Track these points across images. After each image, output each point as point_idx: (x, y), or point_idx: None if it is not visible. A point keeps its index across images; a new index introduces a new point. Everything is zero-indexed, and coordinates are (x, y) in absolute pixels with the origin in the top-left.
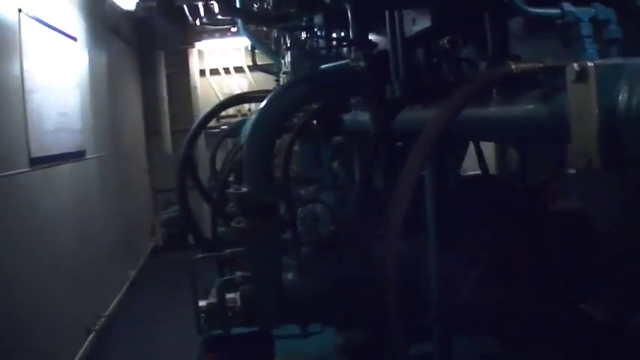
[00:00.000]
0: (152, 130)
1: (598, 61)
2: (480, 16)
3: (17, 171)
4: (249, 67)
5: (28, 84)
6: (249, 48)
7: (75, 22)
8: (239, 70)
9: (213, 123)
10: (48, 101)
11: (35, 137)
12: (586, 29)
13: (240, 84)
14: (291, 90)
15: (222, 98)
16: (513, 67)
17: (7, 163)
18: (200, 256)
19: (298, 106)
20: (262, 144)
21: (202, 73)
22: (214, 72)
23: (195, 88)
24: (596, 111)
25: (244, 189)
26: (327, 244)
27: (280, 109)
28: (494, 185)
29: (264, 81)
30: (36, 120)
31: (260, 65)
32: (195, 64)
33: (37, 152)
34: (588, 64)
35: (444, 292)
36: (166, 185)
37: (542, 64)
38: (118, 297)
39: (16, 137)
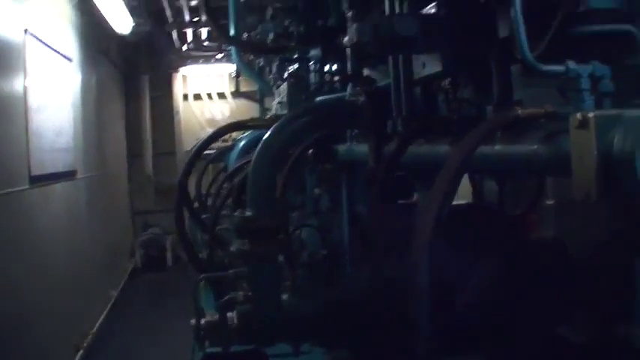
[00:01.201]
0: (134, 153)
1: (597, 112)
2: (484, 61)
3: (18, 188)
4: (231, 93)
5: (30, 102)
6: (233, 75)
7: (71, 43)
8: (221, 96)
9: (190, 147)
10: (46, 120)
11: (35, 155)
12: (585, 83)
13: (222, 110)
14: (295, 122)
15: (204, 123)
16: (520, 112)
17: (9, 180)
18: (204, 275)
19: (301, 137)
20: (266, 171)
21: (185, 97)
22: (197, 97)
23: (178, 112)
24: (595, 153)
25: (248, 213)
26: (320, 267)
27: (284, 139)
28: (484, 215)
29: (246, 108)
30: (36, 138)
31: (243, 92)
32: (178, 89)
33: (36, 170)
34: (589, 114)
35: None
36: (145, 207)
37: (544, 110)
38: (103, 315)
39: (18, 155)
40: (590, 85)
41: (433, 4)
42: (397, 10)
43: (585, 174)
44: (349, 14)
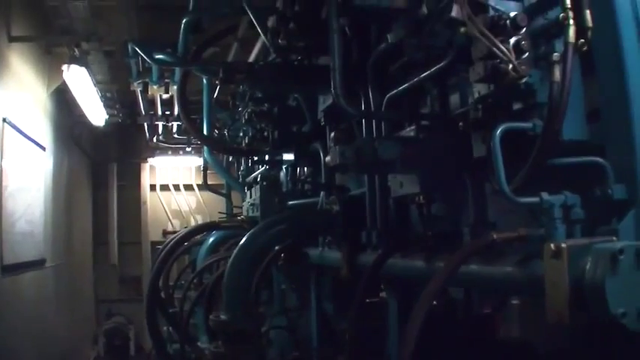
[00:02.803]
0: (99, 241)
1: (570, 242)
2: (458, 179)
3: None
4: (198, 185)
5: (4, 190)
6: (202, 168)
7: (45, 132)
8: (188, 187)
9: (159, 238)
10: (19, 208)
11: (8, 244)
12: (557, 213)
13: (188, 202)
14: (270, 229)
15: (170, 214)
16: (495, 236)
17: None
18: None
19: (275, 244)
20: (242, 276)
21: (153, 187)
22: (164, 188)
23: (145, 202)
24: (567, 281)
25: (223, 316)
26: None
27: (259, 246)
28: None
29: (213, 200)
30: (9, 226)
31: (210, 185)
32: (146, 179)
33: (8, 259)
34: (562, 245)
35: None
36: (109, 296)
37: (517, 234)
38: None
39: None
40: (562, 214)
41: (412, 127)
42: (375, 131)
43: (558, 300)
44: (331, 136)
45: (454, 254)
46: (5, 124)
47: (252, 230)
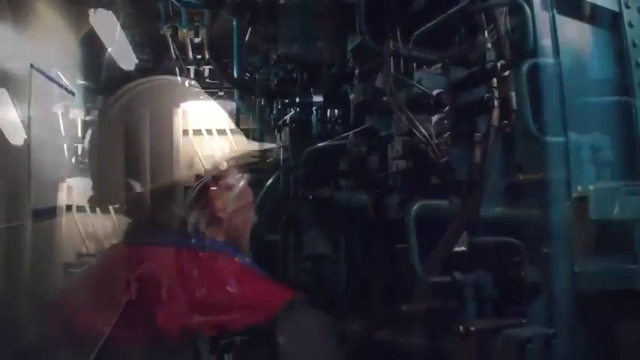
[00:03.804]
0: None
1: (597, 185)
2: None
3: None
4: (231, 130)
5: (33, 136)
6: (234, 112)
7: (75, 79)
8: (221, 132)
9: (193, 183)
10: (49, 154)
11: (37, 189)
12: (586, 154)
13: (221, 146)
14: (289, 174)
15: (204, 159)
16: (521, 177)
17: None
18: None
19: (296, 189)
20: (269, 215)
21: (185, 132)
22: (197, 132)
23: (178, 147)
24: (594, 225)
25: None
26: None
27: (279, 193)
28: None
29: (246, 145)
30: (39, 172)
31: (243, 129)
32: (178, 124)
33: (39, 205)
34: (589, 187)
35: None
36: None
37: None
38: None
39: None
40: (590, 156)
41: (438, 65)
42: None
43: (584, 244)
44: (355, 73)
45: (471, 196)
46: (33, 70)
47: (277, 173)
